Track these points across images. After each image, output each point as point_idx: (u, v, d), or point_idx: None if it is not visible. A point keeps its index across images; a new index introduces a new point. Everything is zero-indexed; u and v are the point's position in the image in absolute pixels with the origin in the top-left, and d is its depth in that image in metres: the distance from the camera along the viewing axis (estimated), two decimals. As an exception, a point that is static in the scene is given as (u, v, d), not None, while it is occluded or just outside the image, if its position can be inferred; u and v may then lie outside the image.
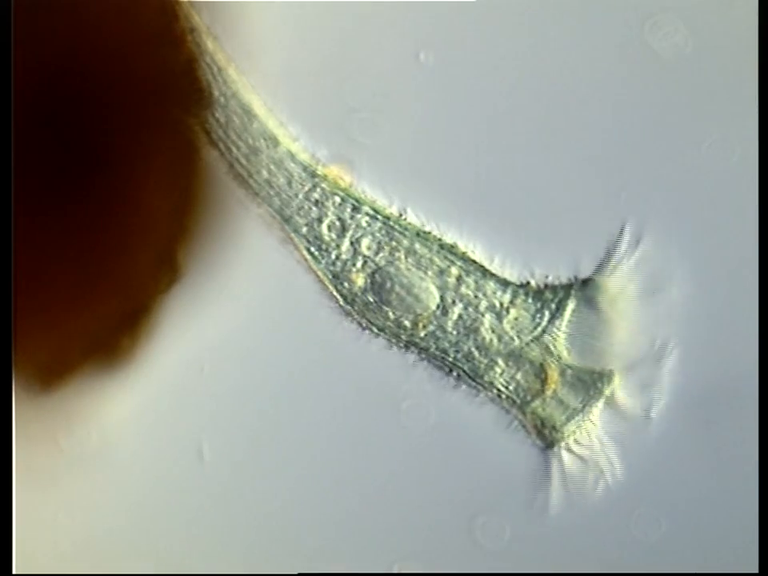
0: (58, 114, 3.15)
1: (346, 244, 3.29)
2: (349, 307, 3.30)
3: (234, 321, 3.27)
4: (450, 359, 3.29)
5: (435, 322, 3.28)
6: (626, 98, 3.27)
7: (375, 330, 3.30)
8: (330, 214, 3.30)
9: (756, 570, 3.10)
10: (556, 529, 3.29)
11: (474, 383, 3.29)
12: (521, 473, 3.28)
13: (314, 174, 3.30)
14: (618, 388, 3.26)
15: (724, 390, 3.23)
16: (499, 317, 3.28)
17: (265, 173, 3.30)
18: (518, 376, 3.27)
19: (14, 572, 3.09)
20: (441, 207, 3.30)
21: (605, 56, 3.26)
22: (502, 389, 3.28)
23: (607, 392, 3.25)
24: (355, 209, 3.30)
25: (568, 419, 3.27)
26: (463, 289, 3.28)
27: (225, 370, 3.30)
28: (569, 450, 3.28)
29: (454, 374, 3.30)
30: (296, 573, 3.22)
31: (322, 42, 3.26)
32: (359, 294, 3.29)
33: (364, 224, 3.30)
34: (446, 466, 3.30)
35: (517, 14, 3.23)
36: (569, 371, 3.26)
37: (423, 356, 3.31)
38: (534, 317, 3.27)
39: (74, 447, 3.28)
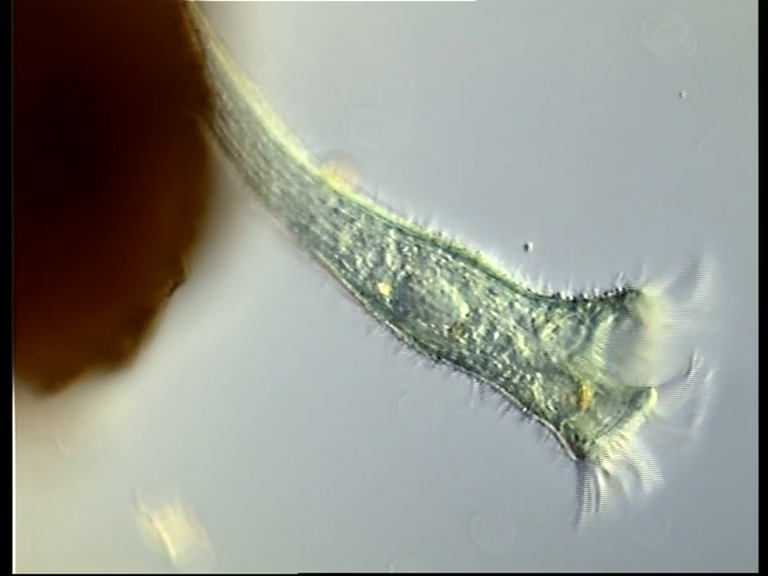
0: (62, 115, 3.15)
1: (369, 254, 3.29)
2: (378, 317, 3.30)
3: (236, 323, 3.27)
4: (479, 372, 3.29)
5: (462, 335, 3.28)
6: (625, 97, 3.28)
7: (406, 341, 3.31)
8: (349, 224, 3.30)
9: (756, 570, 3.10)
10: (558, 529, 3.30)
11: (507, 396, 3.30)
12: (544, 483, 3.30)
13: (328, 185, 3.30)
14: (655, 404, 3.25)
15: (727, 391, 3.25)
16: (528, 330, 3.28)
17: (280, 183, 3.30)
18: (553, 391, 3.27)
19: (14, 572, 3.09)
20: (444, 212, 3.31)
21: (606, 56, 3.26)
22: (535, 403, 3.28)
23: (644, 409, 3.25)
24: (375, 220, 3.30)
25: (601, 434, 3.26)
26: (492, 302, 3.28)
27: (226, 371, 3.30)
28: (600, 464, 3.28)
29: (482, 384, 3.31)
30: (296, 573, 3.22)
31: (322, 42, 3.26)
32: (385, 303, 3.29)
33: (385, 234, 3.30)
34: (456, 469, 3.32)
35: (517, 14, 3.24)
36: (604, 387, 3.26)
37: (450, 366, 3.31)
38: (568, 332, 3.27)
39: (75, 448, 3.28)
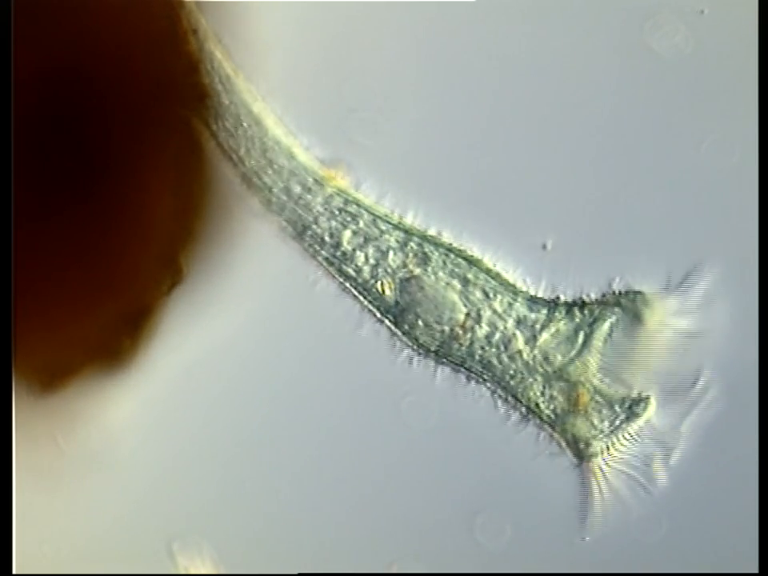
0: (60, 115, 3.15)
1: (371, 252, 3.29)
2: (379, 316, 3.30)
3: (236, 323, 3.27)
4: (478, 372, 3.29)
5: (463, 335, 3.28)
6: (626, 98, 3.27)
7: (407, 340, 3.31)
8: (351, 223, 3.30)
9: (756, 570, 3.10)
10: (558, 529, 3.30)
11: (505, 397, 3.30)
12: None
13: (328, 184, 3.30)
14: (653, 413, 3.25)
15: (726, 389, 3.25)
16: (528, 331, 3.27)
17: (281, 182, 3.29)
18: (551, 393, 3.27)
19: (14, 572, 3.10)
20: (445, 211, 3.31)
21: (607, 55, 3.26)
22: (533, 405, 3.28)
23: (643, 414, 3.25)
24: (377, 218, 3.30)
25: (597, 438, 3.26)
26: (492, 303, 3.28)
27: (226, 371, 3.30)
28: (596, 468, 3.28)
29: (481, 385, 3.31)
30: (296, 573, 3.22)
31: (322, 42, 3.26)
32: (387, 302, 3.29)
33: (387, 233, 3.29)
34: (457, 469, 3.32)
35: (516, 15, 3.24)
36: (600, 394, 3.25)
37: (450, 366, 3.31)
38: (568, 335, 3.27)
39: (75, 448, 3.28)
